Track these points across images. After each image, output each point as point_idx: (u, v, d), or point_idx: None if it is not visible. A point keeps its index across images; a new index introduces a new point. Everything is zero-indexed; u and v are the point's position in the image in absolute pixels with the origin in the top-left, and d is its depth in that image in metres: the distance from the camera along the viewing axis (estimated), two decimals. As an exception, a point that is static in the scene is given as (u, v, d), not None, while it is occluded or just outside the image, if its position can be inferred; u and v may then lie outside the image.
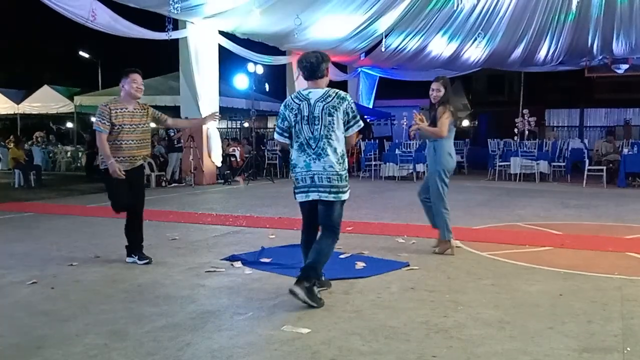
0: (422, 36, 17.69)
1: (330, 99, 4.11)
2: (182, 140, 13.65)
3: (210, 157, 14.06)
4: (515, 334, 3.52)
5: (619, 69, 19.92)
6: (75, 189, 13.09)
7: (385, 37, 17.16)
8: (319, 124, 4.07)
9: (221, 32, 13.92)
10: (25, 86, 23.48)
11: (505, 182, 14.41)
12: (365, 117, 19.24)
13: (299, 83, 14.36)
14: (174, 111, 14.99)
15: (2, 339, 3.45)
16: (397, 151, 15.58)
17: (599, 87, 29.86)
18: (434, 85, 5.77)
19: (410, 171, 14.73)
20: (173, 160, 13.79)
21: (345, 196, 4.14)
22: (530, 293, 4.44)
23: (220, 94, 14.67)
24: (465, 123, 33.67)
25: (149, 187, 12.37)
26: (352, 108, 4.12)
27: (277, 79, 21.54)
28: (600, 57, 19.65)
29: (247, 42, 14.96)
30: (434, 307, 4.05)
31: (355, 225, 7.31)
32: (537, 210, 9.14)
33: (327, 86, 4.26)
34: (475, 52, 19.10)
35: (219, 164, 14.49)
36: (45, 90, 21.69)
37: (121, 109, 5.21)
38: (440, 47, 18.58)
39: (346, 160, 4.19)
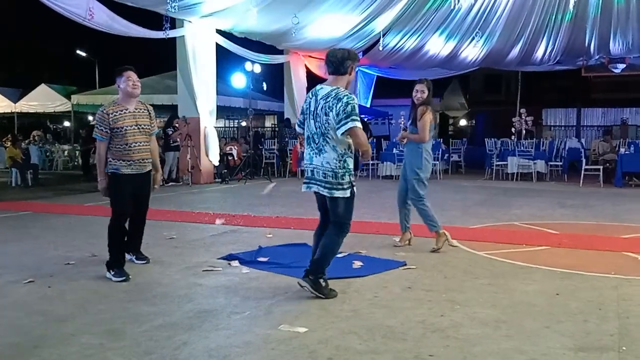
0: (419, 35, 17.68)
1: (329, 98, 4.16)
2: (178, 139, 13.63)
3: (207, 156, 14.05)
4: (511, 333, 3.53)
5: (616, 68, 19.94)
6: (72, 188, 13.07)
7: (383, 36, 17.15)
8: (319, 121, 4.18)
9: (219, 31, 13.90)
10: (23, 85, 23.43)
11: (502, 181, 14.42)
12: (363, 116, 19.22)
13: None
14: (172, 110, 15.01)
15: (-2, 339, 3.45)
16: (394, 150, 15.57)
17: (596, 87, 29.89)
18: (418, 87, 5.96)
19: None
20: (170, 159, 13.76)
21: (339, 193, 4.17)
22: (526, 292, 4.45)
23: (217, 93, 14.65)
24: (463, 122, 33.79)
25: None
26: (344, 110, 4.06)
27: (274, 78, 21.53)
28: (597, 57, 19.67)
29: (245, 41, 14.94)
30: (431, 307, 4.06)
31: (353, 224, 7.20)
32: (534, 210, 9.15)
33: (347, 86, 4.32)
34: (473, 52, 19.11)
35: (217, 163, 14.47)
36: (43, 89, 21.64)
37: (121, 111, 4.90)
38: (438, 46, 18.59)
39: (348, 159, 4.20)
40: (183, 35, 13.11)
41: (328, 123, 4.12)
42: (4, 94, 21.90)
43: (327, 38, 15.92)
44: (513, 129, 18.07)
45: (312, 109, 4.23)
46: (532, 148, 15.20)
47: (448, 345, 3.34)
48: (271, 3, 12.76)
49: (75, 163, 20.50)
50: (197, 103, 13.53)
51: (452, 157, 18.04)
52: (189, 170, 13.48)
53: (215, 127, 14.80)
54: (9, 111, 22.28)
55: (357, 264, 5.29)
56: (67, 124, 29.13)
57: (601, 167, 13.53)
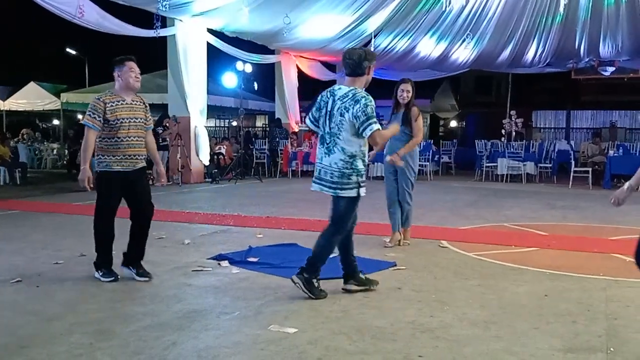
0: (410, 37, 17.71)
1: (346, 99, 4.16)
2: (168, 139, 13.56)
3: (198, 155, 14.00)
4: (501, 334, 3.54)
5: (605, 71, 20.06)
6: (61, 186, 12.97)
7: (374, 37, 17.17)
8: (333, 121, 4.20)
9: (210, 30, 13.86)
10: (12, 83, 23.23)
11: (492, 182, 14.48)
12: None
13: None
14: (162, 109, 14.93)
15: (-15, 338, 3.42)
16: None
17: (586, 89, 30.04)
18: (403, 87, 6.04)
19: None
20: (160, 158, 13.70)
21: (345, 193, 4.21)
22: (516, 293, 4.47)
23: (208, 92, 14.61)
24: (453, 124, 33.89)
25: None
26: (364, 111, 4.07)
27: (265, 77, 21.48)
28: (587, 60, 19.79)
29: (236, 41, 14.90)
30: (421, 307, 4.07)
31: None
32: (523, 211, 9.20)
33: (365, 86, 4.32)
34: (464, 53, 19.17)
35: (207, 163, 14.43)
36: (32, 87, 21.46)
37: (118, 102, 4.61)
38: (429, 47, 18.62)
39: (357, 161, 4.20)
40: (174, 34, 13.06)
41: (342, 124, 4.14)
42: (-8, 92, 21.75)
43: (318, 38, 15.93)
44: (503, 131, 18.16)
45: (329, 109, 4.23)
46: (521, 150, 15.26)
47: (437, 345, 3.34)
48: (262, 3, 12.74)
49: (64, 162, 20.34)
50: (187, 102, 13.48)
51: (442, 158, 18.09)
52: (179, 169, 13.42)
53: (205, 127, 14.75)
54: (-2, 109, 22.13)
55: (348, 264, 5.27)
56: (56, 122, 28.92)
57: (590, 169, 13.63)
